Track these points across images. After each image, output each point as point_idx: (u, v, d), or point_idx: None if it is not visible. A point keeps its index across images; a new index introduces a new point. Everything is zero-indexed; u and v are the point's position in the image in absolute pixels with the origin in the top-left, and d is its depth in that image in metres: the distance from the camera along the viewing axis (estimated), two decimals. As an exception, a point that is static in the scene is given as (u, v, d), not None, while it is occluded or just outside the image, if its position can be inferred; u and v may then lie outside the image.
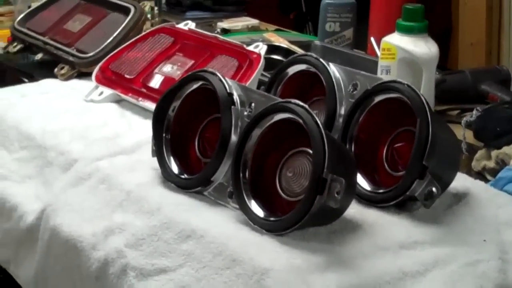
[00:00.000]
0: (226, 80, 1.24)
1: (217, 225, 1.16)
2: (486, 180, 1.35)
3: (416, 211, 1.20)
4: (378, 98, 1.25)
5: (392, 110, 1.26)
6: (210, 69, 1.28)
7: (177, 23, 1.76)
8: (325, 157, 1.08)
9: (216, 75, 1.26)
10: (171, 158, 1.29)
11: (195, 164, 1.31)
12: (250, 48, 1.58)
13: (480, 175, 1.38)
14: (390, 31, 1.64)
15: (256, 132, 1.18)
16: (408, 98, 1.19)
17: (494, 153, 1.35)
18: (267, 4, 2.87)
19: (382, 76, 1.54)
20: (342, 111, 1.31)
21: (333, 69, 1.33)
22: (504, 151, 1.33)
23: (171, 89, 1.30)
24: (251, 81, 1.51)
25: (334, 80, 1.32)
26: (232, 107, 1.22)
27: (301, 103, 1.14)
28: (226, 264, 1.08)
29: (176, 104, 1.30)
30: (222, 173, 1.22)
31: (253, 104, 1.22)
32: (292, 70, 1.39)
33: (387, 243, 1.12)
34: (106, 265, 1.19)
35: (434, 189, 1.16)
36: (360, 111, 1.27)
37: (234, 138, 1.22)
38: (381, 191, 1.21)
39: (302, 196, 1.14)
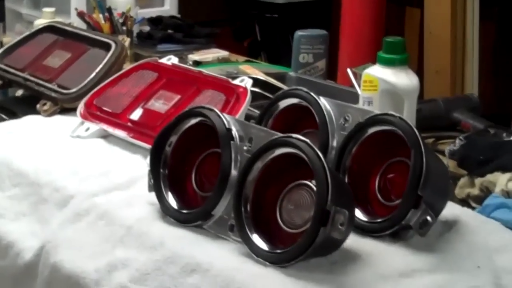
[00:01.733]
0: (224, 116, 1.28)
1: (221, 258, 1.19)
2: (471, 207, 1.40)
3: (410, 239, 1.25)
4: (371, 130, 1.29)
5: (384, 142, 1.30)
6: (207, 106, 1.31)
7: (160, 58, 1.78)
8: (328, 190, 1.12)
9: (214, 111, 1.29)
10: (169, 193, 1.32)
11: (192, 198, 1.34)
12: (236, 82, 1.61)
13: (464, 202, 1.43)
14: (360, 61, 1.69)
15: (257, 166, 1.22)
16: (401, 131, 1.24)
17: (478, 181, 1.41)
18: (221, 32, 2.91)
19: (365, 107, 1.58)
20: (334, 143, 1.36)
21: (324, 103, 1.38)
22: (488, 179, 1.39)
23: (169, 125, 1.33)
24: (239, 115, 1.54)
25: (325, 113, 1.36)
26: (232, 142, 1.26)
27: (302, 138, 1.17)
28: (234, 298, 1.11)
29: (173, 139, 1.33)
30: (223, 207, 1.25)
31: (252, 139, 1.25)
32: (283, 103, 1.43)
33: (387, 272, 1.16)
34: (111, 302, 1.21)
35: (428, 217, 1.21)
36: (353, 142, 1.32)
37: (234, 172, 1.25)
38: (377, 220, 1.25)
39: (303, 228, 1.18)
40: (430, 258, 1.20)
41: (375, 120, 1.29)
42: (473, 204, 1.41)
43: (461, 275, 1.16)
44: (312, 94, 1.39)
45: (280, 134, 1.22)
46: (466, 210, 1.35)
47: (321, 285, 1.12)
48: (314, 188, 1.18)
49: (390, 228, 1.24)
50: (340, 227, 1.12)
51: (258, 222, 1.21)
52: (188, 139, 1.34)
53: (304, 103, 1.40)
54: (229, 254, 1.20)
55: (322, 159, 1.14)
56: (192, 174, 1.34)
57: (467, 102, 1.90)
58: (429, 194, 1.21)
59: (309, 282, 1.12)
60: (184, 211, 1.29)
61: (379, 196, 1.31)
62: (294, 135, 1.19)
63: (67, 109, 1.79)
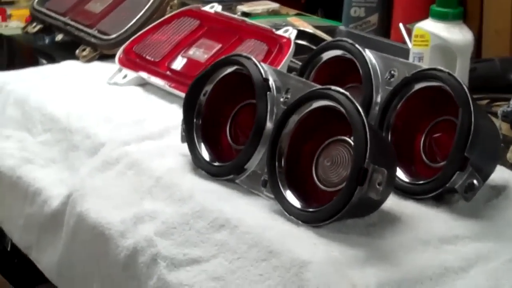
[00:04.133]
0: (261, 65, 1.21)
1: (251, 214, 1.12)
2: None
3: (455, 204, 1.17)
4: (417, 86, 1.21)
5: (431, 99, 1.22)
6: (244, 54, 1.24)
7: (203, 6, 1.72)
8: (367, 147, 1.05)
9: (251, 59, 1.22)
10: (202, 145, 1.26)
11: (226, 151, 1.27)
12: (280, 32, 1.54)
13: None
14: (415, 16, 1.60)
15: (293, 119, 1.14)
16: (450, 87, 1.16)
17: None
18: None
19: (415, 63, 1.50)
20: (379, 99, 1.28)
21: (369, 56, 1.30)
22: (542, 143, 1.30)
23: (204, 73, 1.27)
24: (281, 67, 1.47)
25: (370, 66, 1.28)
26: (268, 93, 1.19)
27: (341, 90, 1.10)
28: (262, 255, 1.04)
29: (208, 88, 1.27)
30: (256, 161, 1.19)
31: (290, 90, 1.18)
32: (326, 55, 1.35)
33: (428, 237, 1.08)
34: (135, 254, 1.15)
35: (475, 181, 1.13)
36: (398, 98, 1.23)
37: (269, 125, 1.18)
38: (420, 182, 1.17)
39: (340, 187, 1.11)
40: (474, 225, 1.12)
41: (422, 75, 1.21)
42: (524, 170, 1.33)
43: (506, 244, 1.08)
44: (357, 46, 1.31)
45: (319, 86, 1.15)
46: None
47: (355, 247, 1.05)
48: (353, 145, 1.11)
49: (434, 191, 1.16)
50: (378, 187, 1.04)
51: (292, 179, 1.14)
52: (224, 88, 1.27)
53: (348, 56, 1.32)
54: (260, 211, 1.13)
55: (362, 113, 1.07)
56: (227, 125, 1.28)
57: (526, 64, 1.79)
58: (476, 156, 1.13)
59: (342, 243, 1.05)
60: (216, 164, 1.23)
61: (423, 156, 1.23)
62: (333, 87, 1.11)
63: (106, 56, 1.75)
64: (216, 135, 1.28)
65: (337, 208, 1.06)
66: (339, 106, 1.09)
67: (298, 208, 1.11)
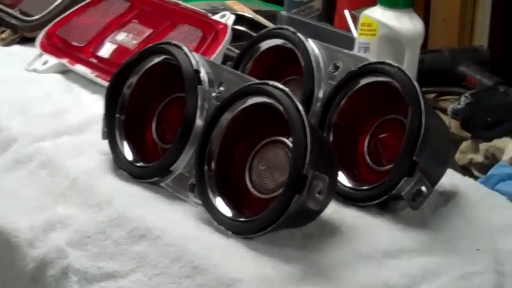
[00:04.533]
0: (193, 55, 1.09)
1: (176, 223, 1.00)
2: (473, 176, 1.22)
3: (400, 212, 1.06)
4: (363, 81, 1.10)
5: (377, 96, 1.11)
6: (174, 42, 1.12)
7: (134, -14, 1.59)
8: (306, 151, 0.93)
9: (182, 48, 1.10)
10: (124, 142, 1.14)
11: (151, 150, 1.15)
12: (216, 17, 1.42)
13: (465, 170, 1.25)
14: (362, 2, 1.50)
15: (226, 117, 1.03)
16: (399, 84, 1.05)
17: (483, 146, 1.22)
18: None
19: (361, 54, 1.39)
20: (321, 94, 1.16)
21: (312, 46, 1.18)
22: (495, 144, 1.20)
23: (129, 62, 1.14)
24: (217, 55, 1.35)
25: (313, 58, 1.17)
26: (199, 86, 1.07)
27: (280, 86, 0.98)
28: (186, 272, 0.93)
29: (133, 80, 1.14)
30: (184, 163, 1.07)
31: (223, 84, 1.06)
32: (265, 44, 1.23)
33: (370, 251, 0.98)
34: (44, 266, 1.02)
35: (423, 188, 1.03)
36: (342, 94, 1.13)
37: (199, 122, 1.06)
38: (363, 188, 1.07)
39: (275, 194, 1.00)
40: (421, 236, 1.02)
41: (369, 69, 1.10)
42: (476, 173, 1.23)
43: (456, 258, 0.98)
44: (299, 35, 1.19)
45: (255, 80, 1.03)
46: (467, 180, 1.17)
47: (290, 263, 0.93)
48: (291, 148, 1.00)
49: (378, 198, 1.05)
50: (317, 195, 0.93)
51: (223, 184, 1.03)
52: (151, 80, 1.15)
53: (290, 45, 1.20)
54: (186, 220, 1.02)
55: (302, 112, 0.95)
56: (153, 122, 1.16)
57: (475, 55, 1.69)
58: (426, 160, 1.03)
59: (276, 258, 0.94)
60: (140, 165, 1.11)
61: (368, 159, 1.12)
62: (271, 82, 1.00)
63: (28, 39, 1.60)
64: (141, 132, 1.16)
65: (271, 218, 0.95)
66: (277, 104, 0.98)
67: (228, 217, 0.99)
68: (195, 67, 1.08)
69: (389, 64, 1.07)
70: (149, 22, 1.46)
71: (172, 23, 1.44)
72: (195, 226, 1.00)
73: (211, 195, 1.01)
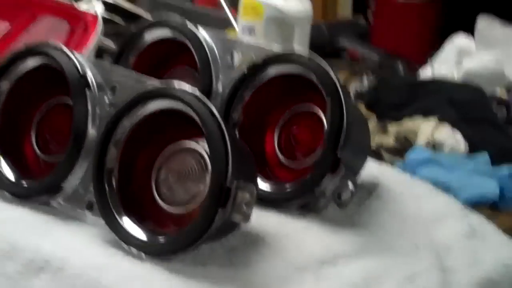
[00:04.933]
0: (75, 56, 0.94)
1: (79, 250, 0.87)
2: (382, 159, 1.14)
3: (324, 212, 0.97)
4: (271, 73, 1.00)
5: (285, 89, 1.02)
6: (52, 42, 0.97)
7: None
8: (228, 160, 0.82)
9: (61, 49, 0.95)
10: (1, 158, 0.98)
11: (33, 164, 1.00)
12: (83, 7, 1.27)
13: (375, 154, 1.17)
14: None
15: (124, 125, 0.89)
16: (315, 74, 0.95)
17: (393, 129, 1.14)
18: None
19: (245, 37, 1.28)
20: (220, 88, 1.05)
21: (205, 35, 1.06)
22: (408, 127, 1.12)
23: (-2, 68, 0.98)
24: (89, 50, 1.20)
25: (207, 49, 1.05)
26: (88, 92, 0.93)
27: (189, 89, 0.86)
28: (102, 309, 0.80)
29: (4, 87, 0.99)
30: (77, 178, 0.93)
31: (116, 88, 0.93)
32: (150, 36, 1.10)
33: (303, 261, 0.88)
34: None
35: (350, 184, 0.94)
36: (246, 88, 1.02)
37: (92, 131, 0.92)
38: (282, 188, 0.97)
39: (191, 206, 0.88)
40: (353, 237, 0.93)
41: (275, 59, 0.99)
42: (387, 157, 1.15)
43: (396, 259, 0.90)
44: (188, 23, 1.07)
45: (155, 82, 0.90)
46: (384, 168, 1.09)
47: (219, 284, 0.82)
48: (202, 152, 0.88)
49: (299, 198, 0.96)
50: (244, 208, 0.82)
51: (128, 200, 0.90)
52: (26, 85, 0.99)
53: (177, 36, 1.08)
54: (89, 244, 0.88)
55: (219, 119, 0.84)
56: (31, 132, 1.01)
57: (354, 28, 1.64)
58: (348, 154, 0.94)
59: (202, 280, 0.83)
60: (23, 183, 0.96)
61: (280, 156, 1.02)
62: (177, 84, 0.87)
63: None
64: (18, 145, 1.00)
65: (192, 236, 0.83)
66: (187, 109, 0.86)
67: (139, 239, 0.87)
68: (81, 71, 0.93)
69: (299, 55, 0.97)
70: (5, 15, 1.30)
71: (32, 15, 1.28)
72: (101, 251, 0.87)
73: (116, 215, 0.88)
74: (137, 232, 0.87)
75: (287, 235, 0.92)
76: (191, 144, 0.90)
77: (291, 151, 1.02)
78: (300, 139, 1.01)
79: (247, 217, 0.82)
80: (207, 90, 1.04)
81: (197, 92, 0.86)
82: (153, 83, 0.90)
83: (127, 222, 0.88)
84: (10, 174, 0.97)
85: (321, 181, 0.93)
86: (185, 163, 0.90)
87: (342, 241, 0.92)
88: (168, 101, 0.87)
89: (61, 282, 0.82)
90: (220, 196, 0.82)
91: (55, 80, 0.96)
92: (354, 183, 0.93)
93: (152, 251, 0.85)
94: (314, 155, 0.98)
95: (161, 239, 0.86)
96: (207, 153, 0.88)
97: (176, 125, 0.90)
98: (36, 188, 0.94)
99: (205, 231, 0.82)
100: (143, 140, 0.91)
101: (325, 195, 0.95)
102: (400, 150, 1.11)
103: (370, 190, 1.02)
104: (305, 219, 0.95)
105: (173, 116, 0.88)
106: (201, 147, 0.89)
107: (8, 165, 0.97)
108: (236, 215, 0.83)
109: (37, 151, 1.00)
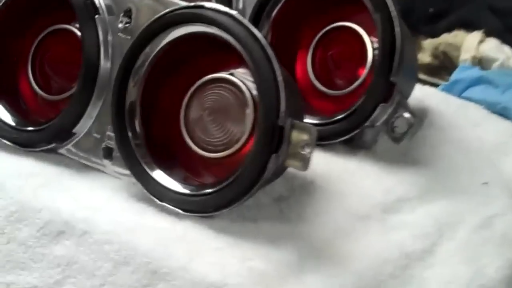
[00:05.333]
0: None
1: (102, 207, 0.73)
2: (420, 81, 1.02)
3: (374, 147, 0.85)
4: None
5: (316, 1, 0.88)
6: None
7: None
8: (279, 94, 0.69)
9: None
10: (-5, 99, 0.83)
11: (32, 104, 0.85)
12: None
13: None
14: None
15: (146, 55, 0.75)
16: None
17: (430, 43, 1.02)
18: None
19: None
20: (240, 4, 0.91)
21: None
22: (446, 40, 0.99)
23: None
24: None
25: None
26: (97, 16, 0.78)
27: (223, 9, 0.72)
28: (142, 279, 0.67)
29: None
30: (90, 119, 0.79)
31: (132, 11, 0.78)
32: None
33: (364, 208, 0.76)
34: None
35: (406, 114, 0.81)
36: (272, 3, 0.88)
37: (105, 64, 0.78)
38: (328, 121, 0.84)
39: (231, 150, 0.74)
40: (413, 177, 0.82)
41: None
42: (422, 76, 1.03)
43: (466, 200, 0.79)
44: None
45: (181, 3, 0.75)
46: (427, 90, 0.96)
47: (276, 245, 0.70)
48: (241, 85, 0.75)
49: (349, 132, 0.83)
50: (303, 152, 0.69)
51: (154, 145, 0.76)
52: (16, 9, 0.84)
53: None
54: (114, 200, 0.75)
55: (265, 43, 0.70)
56: (27, 66, 0.86)
57: None
58: (402, 78, 0.81)
59: (255, 241, 0.70)
60: (26, 129, 0.81)
61: (316, 82, 0.89)
62: (208, 4, 0.73)
63: None
64: (12, 81, 0.85)
65: (240, 188, 0.70)
66: (222, 34, 0.71)
67: (175, 192, 0.73)
68: (85, -12, 0.78)
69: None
70: None
71: None
72: (129, 208, 0.74)
73: (143, 164, 0.75)
74: (171, 183, 0.74)
75: (339, 177, 0.79)
76: (226, 75, 0.76)
77: (328, 76, 0.88)
78: (339, 61, 0.88)
79: (305, 164, 0.69)
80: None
81: (234, 13, 0.71)
82: (174, 1, 0.76)
83: (157, 173, 0.74)
84: (8, 118, 0.82)
85: (373, 111, 0.81)
86: (220, 98, 0.76)
87: (402, 182, 0.80)
88: (198, 25, 0.73)
89: (88, 248, 0.69)
90: (273, 137, 0.68)
91: (55, 2, 0.81)
92: (412, 113, 0.81)
93: (191, 207, 0.72)
94: (357, 81, 0.85)
95: (200, 192, 0.72)
96: (246, 86, 0.74)
97: (207, 53, 0.76)
98: (44, 134, 0.80)
99: (256, 182, 0.70)
100: (167, 72, 0.77)
101: (374, 128, 0.82)
102: (438, 68, 0.98)
103: (420, 116, 0.89)
104: (355, 157, 0.83)
105: (203, 42, 0.74)
106: (238, 79, 0.75)
107: (4, 107, 0.83)
108: (293, 161, 0.70)
109: (36, 88, 0.85)
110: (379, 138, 0.84)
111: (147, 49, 0.74)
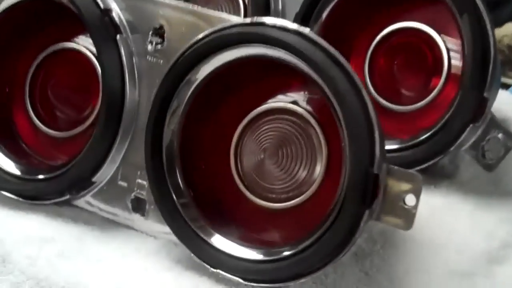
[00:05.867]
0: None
1: (141, 283, 0.57)
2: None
3: (455, 176, 0.70)
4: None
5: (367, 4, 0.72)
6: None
7: None
8: (373, 136, 0.53)
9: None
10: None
11: (32, 141, 0.69)
12: None
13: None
14: None
15: (188, 85, 0.59)
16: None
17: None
18: None
19: None
20: (280, 5, 0.75)
21: None
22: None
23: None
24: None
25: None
26: (118, 36, 0.61)
27: (293, 25, 0.55)
28: None
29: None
30: (114, 164, 0.62)
31: (165, 29, 0.61)
32: None
33: (467, 261, 0.61)
34: None
35: (500, 136, 0.66)
36: (322, 3, 0.72)
37: (132, 96, 0.61)
38: (404, 146, 0.68)
39: (298, 200, 0.59)
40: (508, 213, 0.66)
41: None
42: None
43: None
44: None
45: (232, 19, 0.59)
46: (501, 94, 0.81)
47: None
48: (308, 116, 0.59)
49: (431, 158, 0.67)
50: (406, 206, 0.54)
51: (199, 194, 0.60)
52: (11, 23, 0.67)
53: None
54: (155, 269, 0.59)
55: (351, 72, 0.54)
56: (24, 96, 0.69)
57: None
58: (494, 94, 0.66)
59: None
60: (32, 177, 0.64)
61: (375, 95, 0.74)
62: (271, 20, 0.56)
63: None
64: (6, 119, 0.69)
65: (326, 250, 0.55)
66: (294, 59, 0.55)
67: (239, 258, 0.58)
68: (102, 4, 0.62)
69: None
70: None
71: None
72: (175, 281, 0.58)
73: (199, 232, 0.58)
74: (230, 248, 0.58)
75: (426, 220, 0.64)
76: (288, 105, 0.60)
77: (391, 88, 0.73)
78: (405, 70, 0.72)
79: (409, 221, 0.54)
80: (262, 10, 0.74)
81: (306, 31, 0.55)
82: (221, 16, 0.59)
83: (216, 238, 0.58)
84: (8, 165, 0.65)
85: (463, 132, 0.66)
86: (282, 134, 0.60)
87: (505, 221, 0.65)
88: (257, 47, 0.57)
89: None
90: (366, 188, 0.53)
91: (53, 14, 0.64)
92: (508, 133, 0.66)
93: (259, 276, 0.57)
94: (431, 94, 0.70)
95: (271, 257, 0.57)
96: (313, 117, 0.59)
97: (258, 79, 0.60)
98: (54, 184, 0.63)
99: (345, 245, 0.54)
100: (213, 105, 0.61)
101: (460, 152, 0.67)
102: (504, 63, 0.84)
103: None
104: (438, 190, 0.68)
105: (257, 66, 0.58)
106: (303, 108, 0.59)
107: (5, 154, 0.66)
108: (391, 217, 0.54)
109: (37, 122, 0.68)
110: (459, 163, 0.69)
111: (189, 77, 0.58)
